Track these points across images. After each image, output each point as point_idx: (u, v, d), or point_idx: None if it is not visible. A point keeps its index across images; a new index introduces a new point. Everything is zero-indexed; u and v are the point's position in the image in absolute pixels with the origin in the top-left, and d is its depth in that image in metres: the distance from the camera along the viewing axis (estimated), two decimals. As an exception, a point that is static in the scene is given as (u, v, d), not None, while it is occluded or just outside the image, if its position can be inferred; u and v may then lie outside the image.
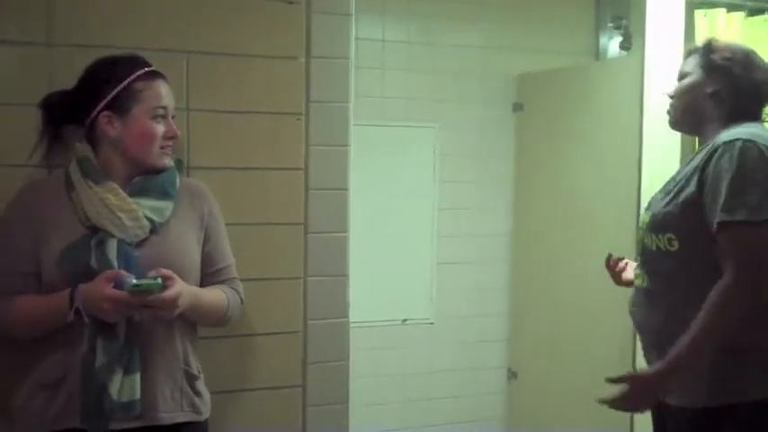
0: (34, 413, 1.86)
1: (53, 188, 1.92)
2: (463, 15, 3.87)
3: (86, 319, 1.79)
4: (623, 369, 3.14)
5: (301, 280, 2.41)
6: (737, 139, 1.92)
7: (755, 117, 2.08)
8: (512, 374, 4.00)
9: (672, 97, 2.16)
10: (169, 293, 1.80)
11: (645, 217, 2.15)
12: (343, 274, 2.45)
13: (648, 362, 2.15)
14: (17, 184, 1.97)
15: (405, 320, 3.84)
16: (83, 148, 1.92)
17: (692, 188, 1.97)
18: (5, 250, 1.90)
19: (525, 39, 3.96)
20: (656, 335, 2.08)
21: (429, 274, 3.87)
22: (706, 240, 1.94)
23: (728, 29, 3.02)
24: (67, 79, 1.94)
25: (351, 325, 2.51)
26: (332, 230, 2.43)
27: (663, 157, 3.07)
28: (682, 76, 2.15)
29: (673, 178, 2.13)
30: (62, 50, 2.13)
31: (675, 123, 2.20)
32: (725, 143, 1.93)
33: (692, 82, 2.10)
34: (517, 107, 3.96)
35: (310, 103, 2.38)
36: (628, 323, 3.13)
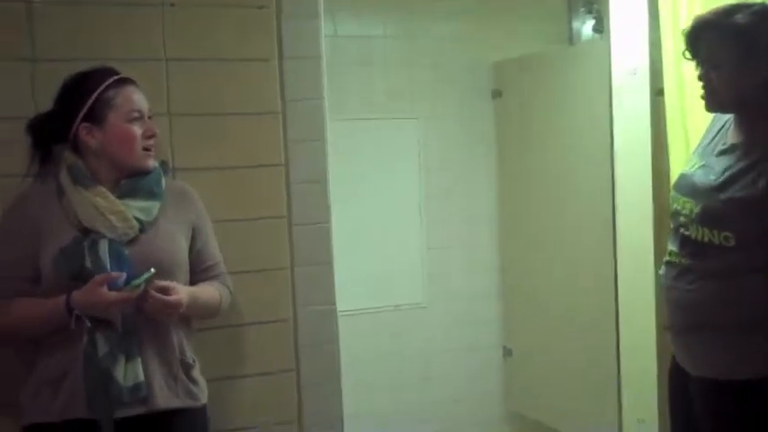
0: (41, 408, 1.97)
1: (45, 195, 2.02)
2: (437, 6, 3.95)
3: (88, 324, 1.91)
4: (607, 340, 3.29)
5: (288, 270, 2.53)
6: None
7: None
8: (507, 352, 4.12)
9: (704, 83, 2.04)
10: (172, 299, 1.94)
11: (686, 205, 2.06)
12: (328, 262, 2.57)
13: (676, 338, 2.15)
14: (9, 194, 2.07)
15: (398, 306, 3.95)
16: (71, 157, 2.01)
17: (762, 184, 1.90)
18: (3, 258, 2.01)
19: (500, 26, 4.04)
20: (696, 314, 2.05)
21: (420, 260, 3.98)
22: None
23: (690, 7, 3.08)
24: (51, 92, 2.04)
25: (346, 312, 2.65)
26: (315, 221, 2.54)
27: (633, 135, 3.17)
28: (710, 64, 2.00)
29: (719, 158, 2.04)
30: (45, 65, 2.24)
31: (714, 109, 2.10)
32: None
33: (733, 74, 1.97)
34: (496, 94, 4.07)
35: (286, 102, 2.50)
36: (610, 297, 3.29)
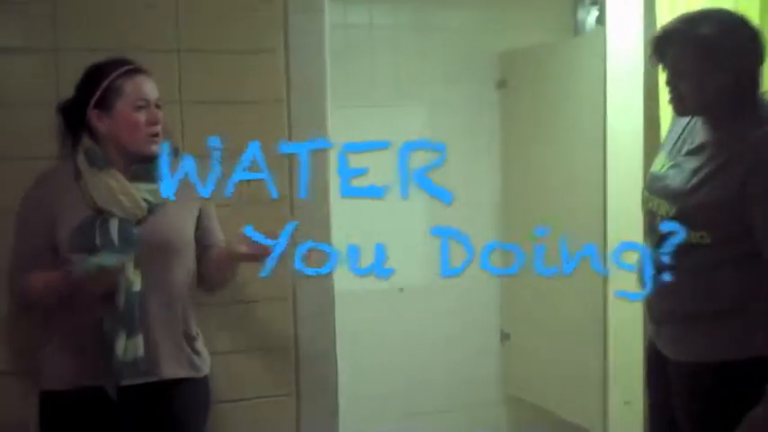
0: (55, 375, 2.14)
1: (63, 177, 2.16)
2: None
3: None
4: (597, 327, 3.39)
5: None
6: None
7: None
8: (504, 336, 4.20)
9: (671, 89, 2.11)
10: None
11: (661, 206, 2.13)
12: (327, 241, 2.68)
13: (655, 325, 2.24)
14: (32, 174, 2.22)
15: (401, 289, 4.03)
16: (88, 142, 2.15)
17: (732, 185, 1.96)
18: (26, 234, 2.16)
19: (506, 16, 4.09)
20: (672, 303, 2.14)
21: (421, 246, 4.05)
22: (742, 236, 1.98)
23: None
24: (74, 81, 2.19)
25: (346, 292, 2.81)
26: (315, 205, 2.65)
27: (626, 126, 3.26)
28: (677, 73, 2.07)
29: (687, 157, 2.10)
30: (67, 55, 2.38)
31: (682, 113, 2.17)
32: None
33: (699, 83, 2.03)
34: (501, 84, 4.14)
35: (291, 90, 2.62)
36: (600, 286, 3.38)
